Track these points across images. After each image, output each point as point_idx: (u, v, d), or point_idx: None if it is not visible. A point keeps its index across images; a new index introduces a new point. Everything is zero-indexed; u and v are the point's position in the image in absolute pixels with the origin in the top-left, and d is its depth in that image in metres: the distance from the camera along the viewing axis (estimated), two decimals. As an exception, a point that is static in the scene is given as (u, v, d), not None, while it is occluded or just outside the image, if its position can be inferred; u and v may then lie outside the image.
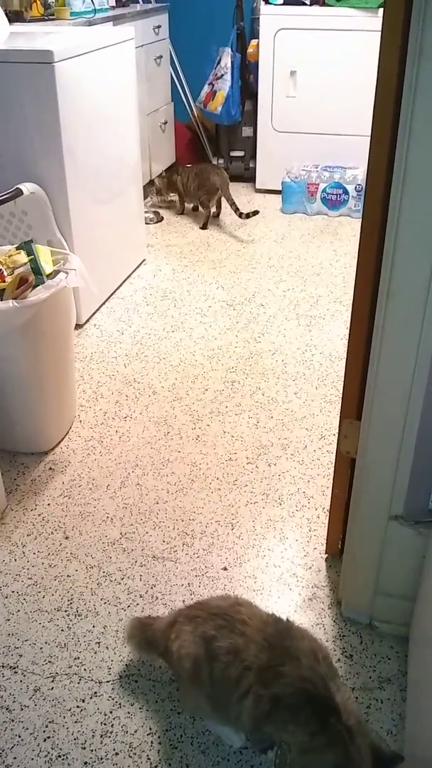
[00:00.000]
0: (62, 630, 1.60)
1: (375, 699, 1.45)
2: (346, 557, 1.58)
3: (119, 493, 2.01)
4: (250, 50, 4.33)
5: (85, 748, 1.37)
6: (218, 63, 4.34)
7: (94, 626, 1.61)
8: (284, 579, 1.73)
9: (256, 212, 3.91)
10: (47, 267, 2.01)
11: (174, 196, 4.24)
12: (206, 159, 4.73)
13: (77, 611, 1.65)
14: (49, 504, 1.97)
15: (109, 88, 2.89)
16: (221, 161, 4.68)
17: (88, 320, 2.94)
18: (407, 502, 1.41)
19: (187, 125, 4.82)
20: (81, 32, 3.01)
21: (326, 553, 1.79)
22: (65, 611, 1.65)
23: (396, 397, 1.30)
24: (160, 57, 4.24)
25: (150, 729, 1.40)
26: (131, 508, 1.96)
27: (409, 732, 1.33)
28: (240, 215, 3.87)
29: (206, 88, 4.41)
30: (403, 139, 1.11)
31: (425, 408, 1.29)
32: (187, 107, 4.70)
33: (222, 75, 4.30)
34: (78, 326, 2.86)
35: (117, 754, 1.36)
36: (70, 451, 2.18)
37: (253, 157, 4.55)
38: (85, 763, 1.34)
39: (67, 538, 1.85)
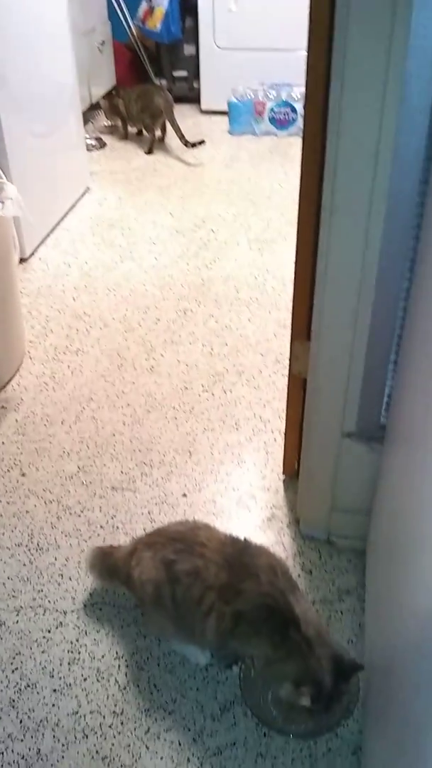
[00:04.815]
0: (24, 565, 1.60)
1: (335, 611, 1.49)
2: (302, 476, 1.60)
3: (75, 427, 1.99)
4: (188, -39, 4.12)
5: (53, 677, 1.39)
6: (155, -24, 4.12)
7: (56, 559, 1.62)
8: (243, 501, 1.75)
9: (202, 142, 3.80)
10: (-17, 198, 1.92)
11: (116, 121, 4.08)
12: (148, 80, 4.54)
13: (38, 545, 1.65)
14: (3, 443, 1.94)
15: (35, 4, 2.71)
16: (164, 82, 4.50)
17: (32, 254, 2.85)
18: (359, 419, 1.42)
19: (127, 45, 4.60)
20: None
21: (284, 474, 1.81)
22: (26, 546, 1.65)
23: (344, 313, 1.29)
24: (93, -30, 4.00)
25: (117, 653, 1.42)
26: (87, 441, 1.94)
27: (369, 640, 1.37)
28: (186, 144, 3.76)
29: (144, 5, 4.21)
30: (340, 44, 1.06)
31: (373, 324, 1.29)
32: (125, 26, 4.46)
33: (160, -11, 4.09)
34: (22, 260, 2.77)
35: (85, 679, 1.38)
36: (21, 389, 2.14)
37: (197, 76, 4.38)
38: (54, 690, 1.36)
39: (23, 475, 1.84)
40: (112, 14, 4.33)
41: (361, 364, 1.34)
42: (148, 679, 1.37)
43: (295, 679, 1.17)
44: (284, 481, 1.80)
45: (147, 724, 1.30)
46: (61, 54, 3.00)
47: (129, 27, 4.46)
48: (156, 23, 4.12)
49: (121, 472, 1.84)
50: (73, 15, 3.09)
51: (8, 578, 1.58)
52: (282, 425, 1.88)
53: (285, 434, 1.73)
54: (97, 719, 1.31)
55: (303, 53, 1.21)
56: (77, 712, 1.33)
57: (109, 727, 1.30)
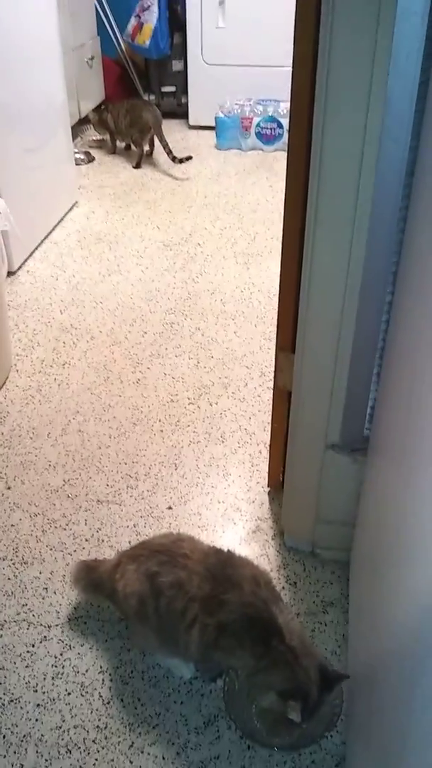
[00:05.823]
0: (8, 579, 1.60)
1: (319, 622, 1.49)
2: (287, 488, 1.60)
3: (60, 440, 1.99)
4: (176, -22, 4.16)
5: (36, 691, 1.38)
6: (144, -7, 4.16)
7: (41, 572, 1.61)
8: (228, 514, 1.75)
9: (189, 158, 3.83)
10: (-30, 211, 1.93)
11: (105, 135, 4.10)
12: (137, 95, 4.57)
13: (23, 559, 1.64)
14: (-12, 455, 1.94)
15: (27, 21, 2.73)
16: (152, 97, 4.54)
17: (20, 267, 2.85)
18: (343, 430, 1.43)
19: (116, 60, 4.63)
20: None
21: (269, 486, 1.81)
22: (11, 560, 1.64)
23: (327, 325, 1.30)
24: (82, -13, 4.03)
25: (101, 667, 1.41)
26: (73, 454, 1.94)
27: (352, 651, 1.38)
28: (173, 159, 3.78)
29: (133, 21, 4.23)
30: (324, 60, 1.08)
31: (357, 336, 1.30)
32: (115, 41, 4.50)
33: (148, 6, 4.13)
34: (10, 273, 2.78)
35: (69, 693, 1.37)
36: (8, 402, 2.14)
37: (185, 92, 4.42)
38: (38, 705, 1.35)
39: (9, 488, 1.83)
40: (101, 30, 4.36)
41: (344, 377, 1.35)
42: (132, 693, 1.37)
43: (281, 690, 1.17)
44: (269, 493, 1.80)
45: (131, 738, 1.30)
46: (51, 69, 3.02)
47: (118, 43, 4.50)
48: (145, 39, 4.16)
49: (107, 485, 1.84)
50: (63, 31, 3.11)
51: (-8, 592, 1.57)
52: (267, 437, 1.88)
53: (270, 447, 1.74)
54: (81, 734, 1.31)
55: (289, 69, 1.23)
56: (61, 727, 1.32)
57: (93, 741, 1.29)
